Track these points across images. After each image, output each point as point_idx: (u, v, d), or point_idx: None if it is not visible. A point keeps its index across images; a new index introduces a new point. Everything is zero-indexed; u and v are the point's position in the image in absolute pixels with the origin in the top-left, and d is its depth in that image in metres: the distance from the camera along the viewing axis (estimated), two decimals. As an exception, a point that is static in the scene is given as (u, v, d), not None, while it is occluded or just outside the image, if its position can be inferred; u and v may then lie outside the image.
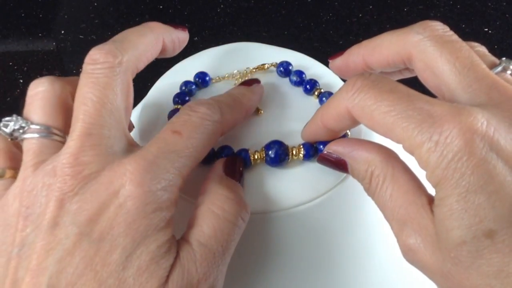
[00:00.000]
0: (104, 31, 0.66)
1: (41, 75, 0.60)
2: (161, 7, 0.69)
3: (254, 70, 0.33)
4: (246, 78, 0.32)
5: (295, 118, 0.30)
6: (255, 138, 0.29)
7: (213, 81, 0.32)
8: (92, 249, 0.20)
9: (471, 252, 0.19)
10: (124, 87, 0.23)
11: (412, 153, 0.21)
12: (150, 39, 0.26)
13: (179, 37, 0.29)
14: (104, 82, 0.23)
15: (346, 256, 0.30)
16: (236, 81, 0.32)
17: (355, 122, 0.24)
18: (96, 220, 0.21)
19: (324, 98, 0.30)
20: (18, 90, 0.59)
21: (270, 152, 0.27)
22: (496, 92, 0.21)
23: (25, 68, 0.61)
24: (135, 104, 0.37)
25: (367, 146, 0.24)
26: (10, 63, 0.62)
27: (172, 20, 0.67)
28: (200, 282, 0.22)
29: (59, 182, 0.21)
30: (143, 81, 0.58)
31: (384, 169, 0.23)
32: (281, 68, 0.32)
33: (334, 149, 0.25)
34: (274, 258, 0.28)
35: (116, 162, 0.21)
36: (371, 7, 0.68)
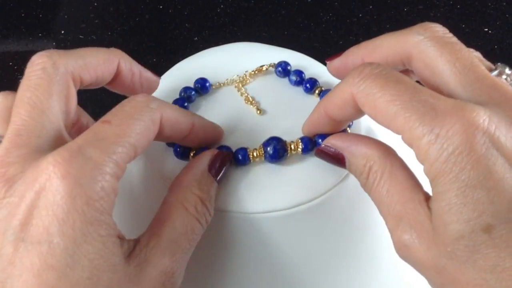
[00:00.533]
0: (104, 31, 0.66)
1: (41, 75, 0.60)
2: (161, 7, 0.69)
3: (253, 72, 0.32)
4: (246, 82, 0.32)
5: (295, 116, 0.30)
6: (255, 138, 0.29)
7: (213, 87, 0.32)
8: (32, 254, 0.19)
9: (468, 246, 0.19)
10: (61, 89, 0.23)
11: (411, 144, 0.21)
12: (102, 54, 0.26)
13: (144, 75, 0.28)
14: (36, 83, 0.22)
15: (346, 256, 0.30)
16: (236, 86, 0.32)
17: (358, 112, 0.24)
18: (29, 222, 0.20)
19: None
20: (18, 90, 0.59)
21: (268, 149, 0.27)
22: (497, 92, 0.21)
23: (25, 68, 0.61)
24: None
25: (366, 141, 0.24)
26: (10, 63, 0.62)
27: (172, 20, 0.67)
28: (168, 276, 0.22)
29: None
30: (143, 81, 0.59)
31: (382, 165, 0.23)
32: (280, 69, 0.32)
33: (332, 142, 0.26)
34: (274, 258, 0.28)
35: (40, 159, 0.20)
36: (371, 7, 0.68)
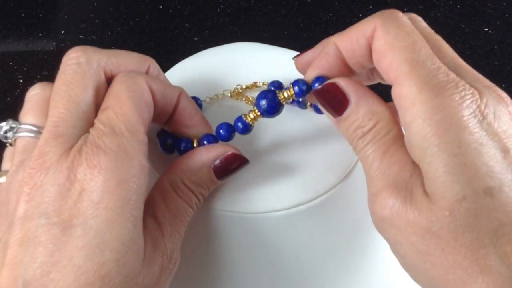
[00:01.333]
0: (104, 31, 0.66)
1: (41, 75, 0.60)
2: (161, 7, 0.69)
3: (246, 87, 0.32)
4: (239, 97, 0.32)
5: (290, 132, 0.29)
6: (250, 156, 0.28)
7: (205, 102, 0.31)
8: (64, 237, 0.20)
9: (469, 210, 0.19)
10: (95, 84, 0.24)
11: (403, 99, 0.21)
12: (134, 56, 0.26)
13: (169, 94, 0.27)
14: (72, 77, 0.23)
15: (346, 256, 0.30)
16: (231, 98, 0.32)
17: (368, 57, 0.23)
18: (62, 207, 0.21)
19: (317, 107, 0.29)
20: (18, 90, 0.59)
21: (261, 104, 0.25)
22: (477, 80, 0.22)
23: (25, 68, 0.61)
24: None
25: (379, 99, 0.24)
26: (10, 63, 0.62)
27: (172, 20, 0.67)
28: (168, 259, 0.23)
29: (26, 177, 0.21)
30: (143, 81, 0.58)
31: (390, 126, 0.23)
32: (272, 88, 0.31)
33: (342, 83, 0.24)
34: (273, 258, 0.28)
35: (73, 147, 0.22)
36: (371, 7, 0.68)
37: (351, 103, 0.23)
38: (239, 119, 0.26)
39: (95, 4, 0.69)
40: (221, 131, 0.26)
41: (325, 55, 0.25)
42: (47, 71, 0.61)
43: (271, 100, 0.25)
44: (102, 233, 0.20)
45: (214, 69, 0.33)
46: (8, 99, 0.58)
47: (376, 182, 0.22)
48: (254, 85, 0.32)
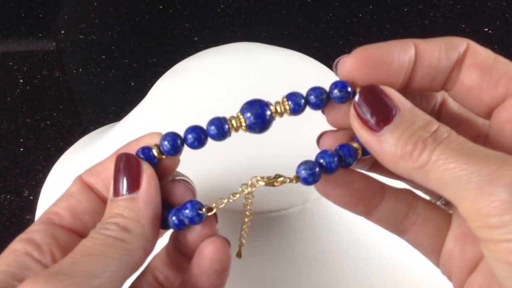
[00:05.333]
0: (104, 31, 0.66)
1: (41, 75, 0.60)
2: (161, 7, 0.69)
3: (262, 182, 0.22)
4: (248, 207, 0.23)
5: (286, 135, 0.28)
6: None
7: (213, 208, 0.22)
8: None
9: None
10: None
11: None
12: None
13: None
14: None
15: (347, 256, 0.30)
16: (245, 205, 0.23)
17: (449, 72, 0.20)
18: None
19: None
20: (18, 90, 0.59)
21: (248, 115, 0.21)
22: None
23: (25, 68, 0.61)
24: (136, 103, 0.37)
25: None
26: (10, 63, 0.62)
27: (172, 20, 0.67)
28: None
29: None
30: (143, 81, 0.59)
31: (449, 131, 0.19)
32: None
33: (391, 92, 0.19)
34: (273, 258, 0.28)
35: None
36: (371, 7, 0.68)
37: (400, 108, 0.19)
38: (216, 120, 0.21)
39: (95, 4, 0.69)
40: (189, 136, 0.21)
41: (397, 50, 0.20)
42: (47, 71, 0.61)
43: (258, 113, 0.21)
44: None
45: (214, 69, 0.33)
46: (8, 99, 0.58)
47: (468, 191, 0.17)
48: (275, 180, 0.22)
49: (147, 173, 0.21)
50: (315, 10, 0.68)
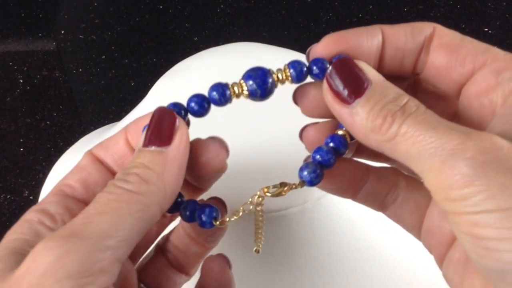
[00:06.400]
0: (104, 31, 0.66)
1: (41, 75, 0.60)
2: (161, 7, 0.69)
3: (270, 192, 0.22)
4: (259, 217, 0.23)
5: (285, 135, 0.28)
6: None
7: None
8: None
9: None
10: None
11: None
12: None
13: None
14: None
15: (347, 256, 0.30)
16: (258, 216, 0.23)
17: (417, 55, 0.21)
18: None
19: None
20: (18, 90, 0.59)
21: (250, 82, 0.21)
22: None
23: (25, 68, 0.61)
24: (136, 103, 0.37)
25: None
26: (10, 63, 0.62)
27: (172, 20, 0.67)
28: None
29: None
30: (143, 81, 0.59)
31: (419, 104, 0.19)
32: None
33: (363, 64, 0.20)
34: (273, 258, 0.28)
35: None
36: (371, 7, 0.68)
37: (371, 81, 0.19)
38: (217, 87, 0.21)
39: (95, 4, 0.69)
40: (192, 104, 0.21)
41: (364, 35, 0.21)
42: (47, 71, 0.61)
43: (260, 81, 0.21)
44: None
45: (214, 69, 0.33)
46: (8, 99, 0.58)
47: (433, 161, 0.17)
48: (282, 190, 0.22)
49: (181, 130, 0.20)
50: (315, 10, 0.68)
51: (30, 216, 0.20)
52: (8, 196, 0.50)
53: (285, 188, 0.22)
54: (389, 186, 0.23)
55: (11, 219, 0.48)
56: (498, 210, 0.16)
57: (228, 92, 0.21)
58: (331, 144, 0.21)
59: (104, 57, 0.62)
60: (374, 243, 0.31)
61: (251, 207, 0.22)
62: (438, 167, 0.17)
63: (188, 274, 0.25)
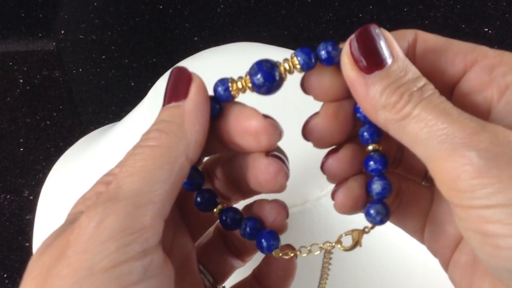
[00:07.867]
0: (104, 31, 0.66)
1: (41, 75, 0.60)
2: (161, 7, 0.69)
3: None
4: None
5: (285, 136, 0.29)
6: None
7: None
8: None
9: None
10: None
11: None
12: None
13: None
14: None
15: (347, 256, 0.30)
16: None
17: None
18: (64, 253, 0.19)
19: None
20: (18, 90, 0.59)
21: (258, 77, 0.20)
22: None
23: (25, 68, 0.61)
24: (136, 103, 0.37)
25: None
26: (10, 63, 0.62)
27: (172, 20, 0.67)
28: None
29: None
30: (143, 81, 0.59)
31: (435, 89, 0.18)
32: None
33: (390, 36, 0.19)
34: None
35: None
36: (371, 7, 0.68)
37: (395, 57, 0.19)
38: (222, 82, 0.21)
39: (95, 4, 0.69)
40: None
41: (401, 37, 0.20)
42: (47, 71, 0.61)
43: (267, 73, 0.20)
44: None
45: (214, 69, 0.33)
46: (8, 99, 0.58)
47: (442, 149, 0.17)
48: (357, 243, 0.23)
49: (196, 83, 0.21)
50: (315, 10, 0.68)
51: (100, 188, 0.20)
52: (8, 196, 0.50)
53: (361, 239, 0.22)
54: (393, 193, 0.22)
55: (11, 219, 0.48)
56: (510, 204, 0.16)
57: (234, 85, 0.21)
58: (376, 166, 0.20)
59: (104, 57, 0.62)
60: (374, 243, 0.31)
61: (318, 252, 0.22)
62: (447, 154, 0.17)
63: (243, 261, 0.25)
